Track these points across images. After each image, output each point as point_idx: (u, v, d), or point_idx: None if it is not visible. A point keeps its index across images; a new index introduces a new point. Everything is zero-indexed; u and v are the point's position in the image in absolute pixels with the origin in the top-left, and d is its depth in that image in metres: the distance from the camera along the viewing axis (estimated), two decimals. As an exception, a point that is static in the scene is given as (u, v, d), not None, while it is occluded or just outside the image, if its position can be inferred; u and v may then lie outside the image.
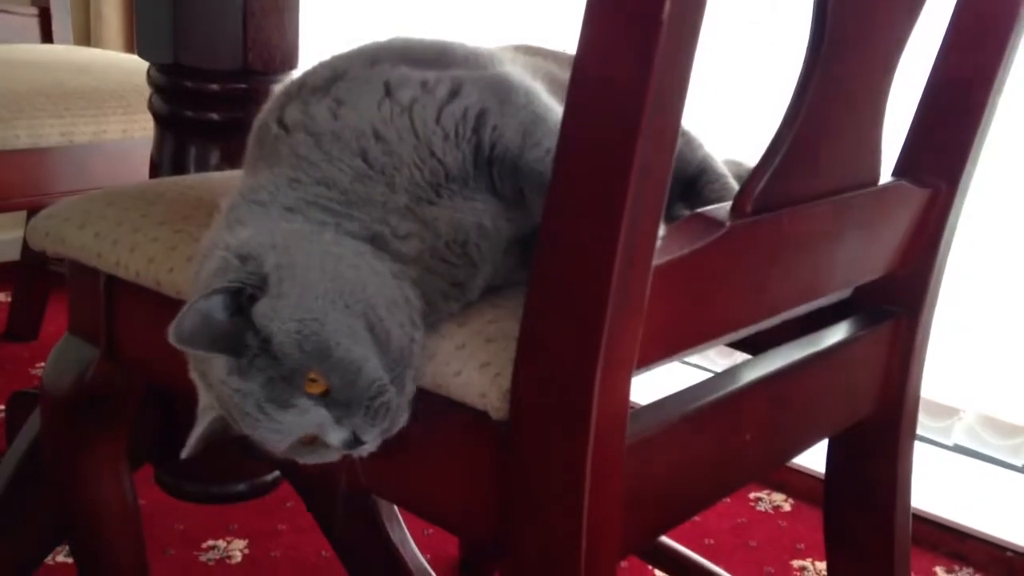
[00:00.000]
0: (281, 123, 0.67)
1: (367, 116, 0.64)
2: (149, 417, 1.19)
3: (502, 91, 0.66)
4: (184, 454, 0.64)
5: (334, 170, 0.63)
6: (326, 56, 0.73)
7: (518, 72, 0.69)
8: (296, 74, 1.11)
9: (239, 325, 0.59)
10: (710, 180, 0.77)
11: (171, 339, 0.57)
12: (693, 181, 0.77)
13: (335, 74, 0.68)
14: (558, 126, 0.54)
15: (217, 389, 0.61)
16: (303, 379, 0.58)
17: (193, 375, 0.64)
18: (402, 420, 0.61)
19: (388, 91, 0.65)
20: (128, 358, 0.85)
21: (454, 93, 0.65)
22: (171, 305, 0.77)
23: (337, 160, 0.64)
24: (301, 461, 0.63)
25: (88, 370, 0.86)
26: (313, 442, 0.61)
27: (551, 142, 0.60)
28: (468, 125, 0.64)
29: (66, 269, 0.87)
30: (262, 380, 0.59)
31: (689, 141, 0.79)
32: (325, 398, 0.59)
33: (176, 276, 0.75)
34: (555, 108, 0.66)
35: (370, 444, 0.61)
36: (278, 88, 0.73)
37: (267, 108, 0.71)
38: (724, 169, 0.79)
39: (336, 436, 0.60)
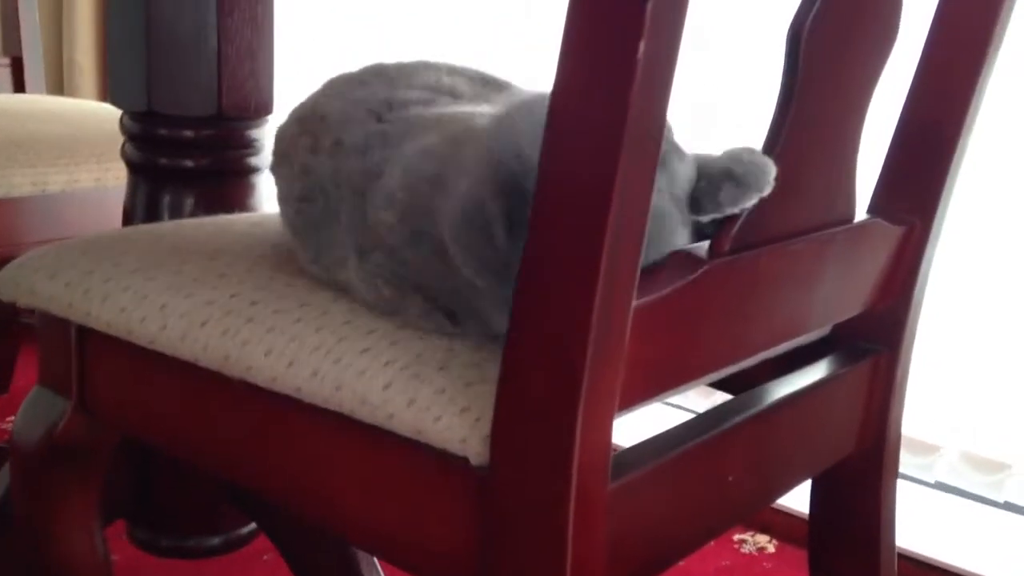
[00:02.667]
0: (387, 120, 0.69)
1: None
2: (122, 471, 1.17)
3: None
4: None
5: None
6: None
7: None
8: (271, 119, 1.12)
9: None
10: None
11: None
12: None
13: (388, 96, 0.72)
14: None
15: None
16: None
17: None
18: None
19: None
20: (100, 410, 0.83)
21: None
22: (144, 355, 0.76)
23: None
24: None
25: (59, 423, 0.84)
26: None
27: None
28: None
29: (36, 320, 0.86)
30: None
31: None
32: None
33: (148, 325, 0.74)
34: None
35: None
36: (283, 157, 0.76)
37: (349, 131, 0.71)
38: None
39: None
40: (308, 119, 0.76)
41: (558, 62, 0.51)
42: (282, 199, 0.78)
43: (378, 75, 0.77)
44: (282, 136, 0.79)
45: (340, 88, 0.77)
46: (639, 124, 0.50)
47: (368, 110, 0.71)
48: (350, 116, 0.71)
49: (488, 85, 0.77)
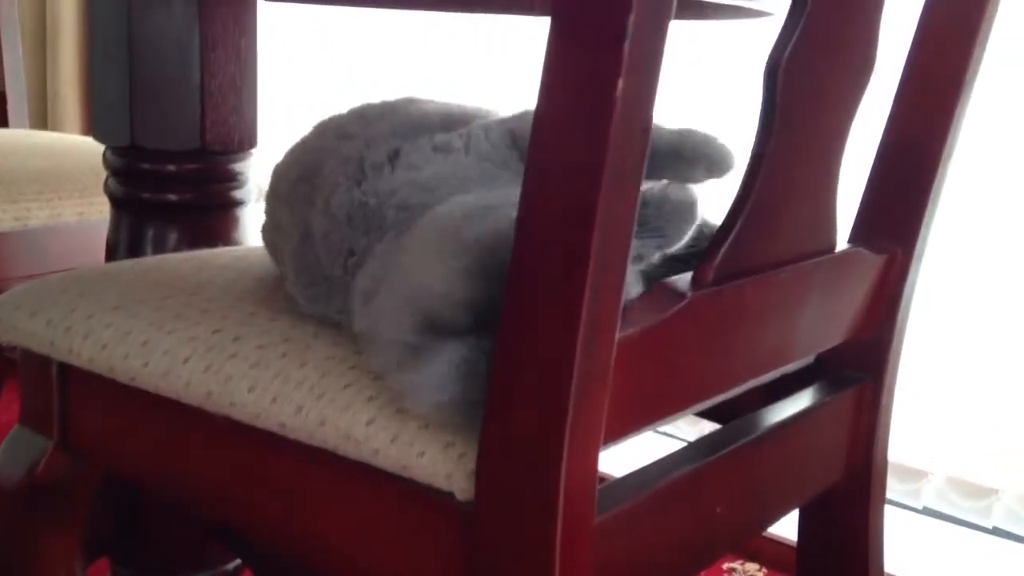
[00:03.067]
0: (375, 195, 0.69)
1: (446, 166, 0.69)
2: (105, 507, 1.16)
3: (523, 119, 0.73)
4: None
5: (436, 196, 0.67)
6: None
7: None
8: (255, 152, 1.13)
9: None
10: None
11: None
12: None
13: (392, 149, 0.72)
14: None
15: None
16: None
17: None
18: None
19: (437, 150, 0.71)
20: (83, 448, 0.83)
21: (488, 129, 0.72)
22: (126, 392, 0.75)
23: (436, 191, 0.67)
24: None
25: (40, 462, 0.83)
26: None
27: None
28: (523, 141, 0.68)
29: (18, 357, 0.85)
30: None
31: None
32: None
33: (130, 362, 0.73)
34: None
35: None
36: (320, 179, 0.76)
37: (328, 195, 0.72)
38: None
39: None
40: (304, 165, 0.77)
41: (537, 100, 0.52)
42: (273, 228, 0.80)
43: (361, 120, 0.78)
44: (279, 176, 0.80)
45: (328, 137, 0.78)
46: (619, 160, 0.51)
47: (347, 175, 0.71)
48: (336, 180, 0.72)
49: (462, 118, 0.78)
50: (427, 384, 0.57)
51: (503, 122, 0.73)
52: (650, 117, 0.52)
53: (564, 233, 0.52)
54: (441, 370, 0.57)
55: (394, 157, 0.71)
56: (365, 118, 0.78)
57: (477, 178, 0.68)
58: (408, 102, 0.80)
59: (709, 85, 1.61)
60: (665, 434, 1.70)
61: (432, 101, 0.81)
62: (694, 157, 0.69)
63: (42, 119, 2.29)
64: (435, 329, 0.58)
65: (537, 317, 0.54)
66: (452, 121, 0.76)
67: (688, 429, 1.67)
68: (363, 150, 0.72)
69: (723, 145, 0.70)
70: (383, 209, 0.68)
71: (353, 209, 0.69)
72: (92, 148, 1.42)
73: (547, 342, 0.54)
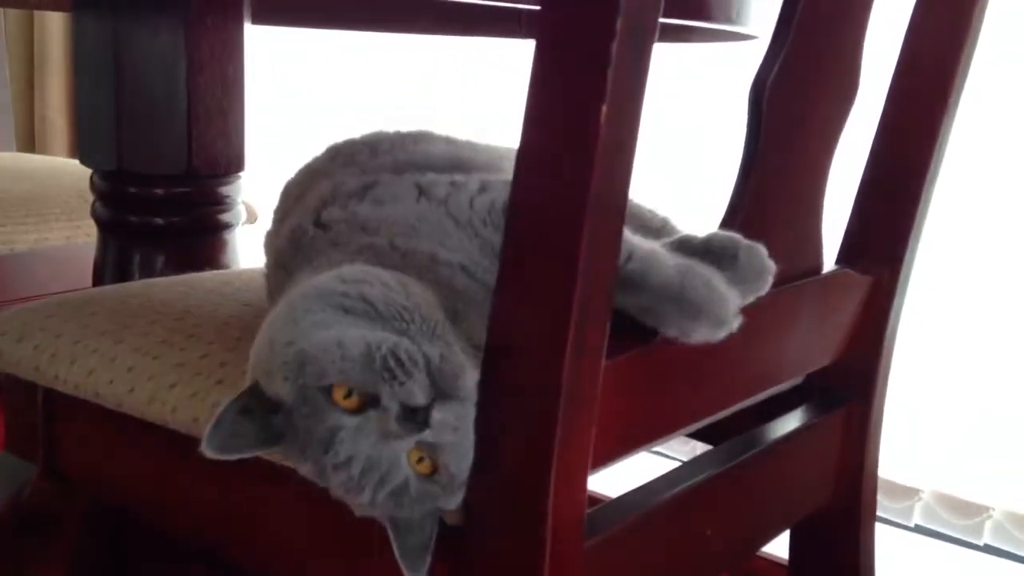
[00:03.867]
0: (319, 224, 0.69)
1: (409, 210, 0.67)
2: (92, 535, 1.15)
3: None
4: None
5: (376, 239, 0.65)
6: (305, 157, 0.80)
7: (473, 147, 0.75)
8: (243, 175, 1.12)
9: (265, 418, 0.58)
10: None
11: (208, 454, 0.56)
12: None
13: (366, 182, 0.71)
14: None
15: (331, 491, 0.58)
16: (331, 406, 0.55)
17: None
18: (453, 370, 0.55)
19: (421, 191, 0.69)
20: (69, 474, 0.82)
21: (482, 189, 0.68)
22: (112, 417, 0.75)
23: (379, 235, 0.66)
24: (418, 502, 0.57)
25: (26, 488, 0.83)
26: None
27: None
28: (499, 215, 0.66)
29: (3, 383, 0.84)
30: (314, 443, 0.56)
31: (665, 221, 0.81)
32: (367, 408, 0.55)
33: (116, 388, 0.73)
34: None
35: (439, 413, 0.54)
36: (294, 192, 0.77)
37: (294, 214, 0.73)
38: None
39: (394, 425, 0.54)
40: (303, 185, 0.78)
41: (522, 127, 0.52)
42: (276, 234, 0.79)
43: (370, 150, 0.78)
44: (285, 192, 0.81)
45: (337, 162, 0.78)
46: (604, 184, 0.51)
47: (319, 201, 0.72)
48: (309, 204, 0.73)
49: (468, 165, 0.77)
50: (211, 427, 0.57)
51: (493, 189, 0.70)
52: (635, 142, 0.52)
53: (550, 258, 0.52)
54: (231, 411, 0.57)
55: (366, 189, 0.70)
56: (375, 148, 0.78)
57: (428, 233, 0.66)
58: (420, 137, 0.80)
59: (694, 106, 1.62)
60: (657, 453, 1.70)
61: (448, 140, 0.81)
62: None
63: (30, 143, 2.28)
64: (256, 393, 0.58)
65: (523, 343, 0.54)
66: (455, 167, 0.75)
67: (680, 448, 1.67)
68: (346, 179, 0.73)
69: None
70: (316, 240, 0.68)
71: (298, 234, 0.70)
72: (79, 172, 1.41)
73: (533, 368, 0.54)
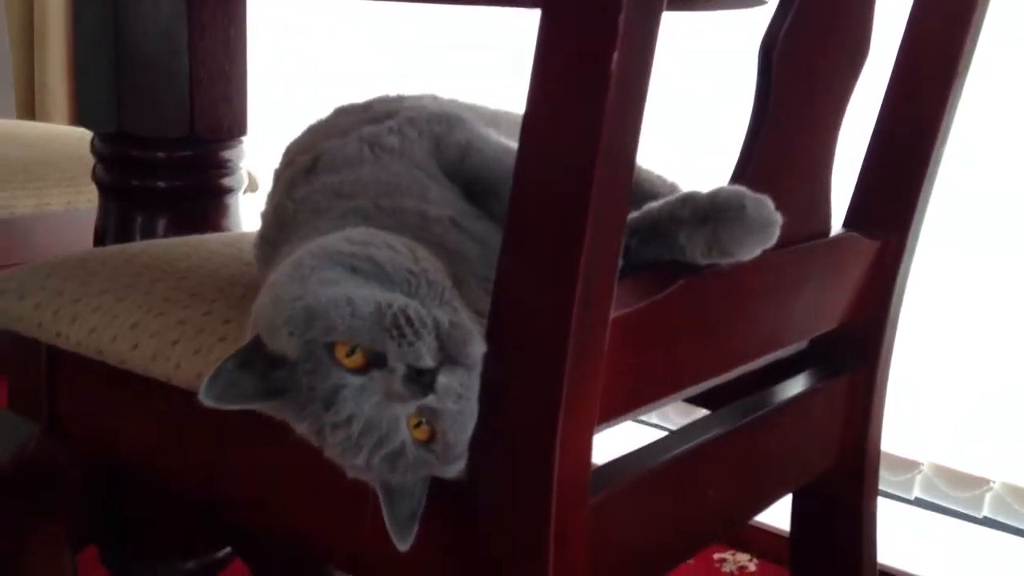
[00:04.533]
0: (293, 200, 0.69)
1: (376, 168, 0.68)
2: (94, 495, 1.15)
3: (445, 121, 0.73)
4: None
5: (359, 202, 0.65)
6: (300, 126, 0.80)
7: (455, 109, 0.76)
8: (245, 140, 1.12)
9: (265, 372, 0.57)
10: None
11: (206, 403, 0.56)
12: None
13: (315, 153, 0.72)
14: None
15: (327, 452, 0.57)
16: (334, 364, 0.55)
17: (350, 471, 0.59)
18: (462, 336, 0.54)
19: (370, 145, 0.70)
20: (71, 432, 0.82)
21: (420, 132, 0.70)
22: (115, 375, 0.74)
23: (359, 198, 0.66)
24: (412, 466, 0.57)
25: (28, 446, 0.83)
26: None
27: (491, 149, 0.70)
28: (444, 154, 0.69)
29: (5, 343, 0.84)
30: (315, 400, 0.55)
31: (675, 186, 0.81)
32: (372, 368, 0.55)
33: (119, 345, 0.73)
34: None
35: (445, 378, 0.54)
36: (276, 176, 0.77)
37: (275, 194, 0.74)
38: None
39: (399, 386, 0.54)
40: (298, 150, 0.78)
41: (531, 75, 0.51)
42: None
43: (365, 112, 0.78)
44: (287, 152, 0.80)
45: (290, 148, 0.79)
46: (614, 135, 0.50)
47: (288, 180, 0.73)
48: (287, 177, 0.74)
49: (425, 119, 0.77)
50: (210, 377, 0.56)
51: (431, 125, 0.72)
52: (645, 91, 0.51)
53: (558, 211, 0.52)
54: (232, 364, 0.57)
55: (315, 162, 0.71)
56: (369, 110, 0.78)
57: (407, 187, 0.66)
58: (429, 99, 0.80)
59: (704, 68, 1.61)
60: (656, 426, 1.70)
61: (434, 97, 0.81)
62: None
63: (30, 111, 2.27)
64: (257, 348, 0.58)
65: (530, 296, 0.54)
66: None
67: (682, 421, 1.67)
68: (300, 156, 0.73)
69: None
70: (299, 213, 0.68)
71: (280, 211, 0.70)
72: (80, 137, 1.41)
73: (541, 320, 0.53)
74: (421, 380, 0.54)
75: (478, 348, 0.55)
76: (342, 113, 0.79)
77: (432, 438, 0.56)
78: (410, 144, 0.70)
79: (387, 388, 0.54)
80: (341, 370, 0.55)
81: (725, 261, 0.63)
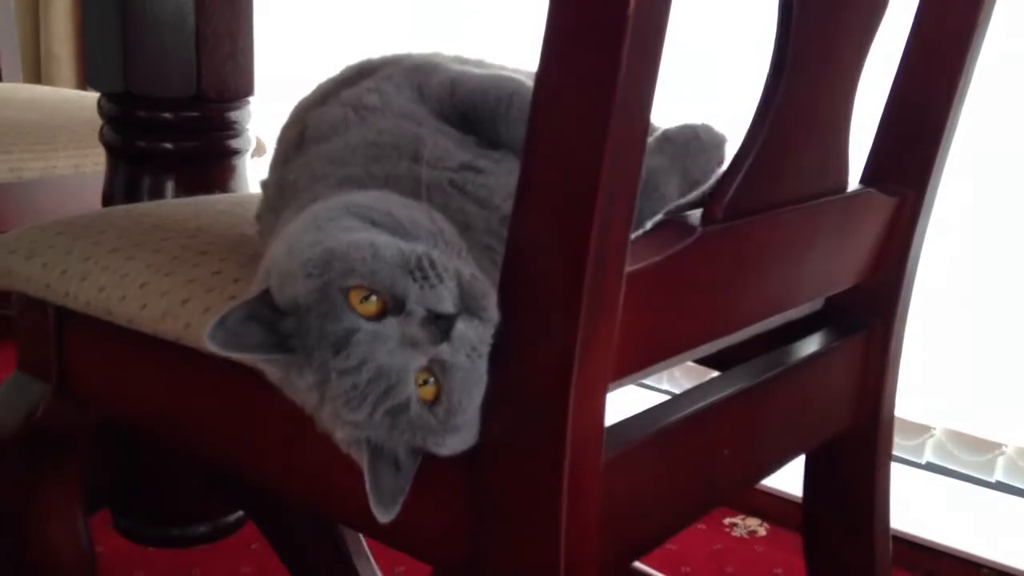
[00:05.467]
0: (293, 170, 0.68)
1: (362, 131, 0.66)
2: (106, 458, 1.15)
3: (426, 67, 0.71)
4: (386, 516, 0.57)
5: (351, 170, 0.64)
6: (308, 88, 0.77)
7: (428, 54, 0.75)
8: (252, 100, 1.11)
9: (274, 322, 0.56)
10: None
11: (210, 346, 0.54)
12: None
13: (302, 126, 0.71)
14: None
15: (325, 411, 0.56)
16: (349, 309, 0.54)
17: (322, 424, 0.58)
18: (481, 291, 0.54)
19: (354, 108, 0.68)
20: (81, 393, 0.82)
21: (398, 86, 0.69)
22: (124, 335, 0.74)
23: (349, 165, 0.64)
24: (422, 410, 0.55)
25: (39, 408, 0.82)
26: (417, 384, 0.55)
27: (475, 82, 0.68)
28: (436, 100, 0.67)
29: (13, 303, 0.84)
30: (325, 346, 0.54)
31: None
32: (386, 315, 0.54)
33: (128, 304, 0.72)
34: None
35: (463, 326, 0.53)
36: (275, 150, 0.75)
37: (275, 168, 0.73)
38: None
39: (417, 329, 0.53)
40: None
41: (547, 20, 0.50)
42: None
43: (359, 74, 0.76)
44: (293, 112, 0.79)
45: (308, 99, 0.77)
46: (631, 84, 0.49)
47: (283, 152, 0.72)
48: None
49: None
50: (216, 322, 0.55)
51: (409, 75, 0.70)
52: (663, 38, 0.50)
53: (572, 162, 0.51)
54: (239, 314, 0.55)
55: (303, 134, 0.70)
56: (344, 75, 0.76)
57: (395, 146, 0.64)
58: (403, 56, 0.77)
59: (722, 20, 1.59)
60: (667, 392, 1.70)
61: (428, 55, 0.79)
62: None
63: (36, 77, 2.26)
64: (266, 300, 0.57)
65: (544, 251, 0.53)
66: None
67: (689, 385, 1.67)
68: (290, 131, 0.72)
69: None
70: (298, 181, 0.67)
71: (282, 183, 0.69)
72: (87, 101, 1.40)
73: (555, 274, 0.53)
74: (439, 324, 0.53)
75: (495, 304, 0.55)
76: (319, 86, 0.77)
77: (437, 399, 0.55)
78: (389, 98, 0.68)
79: (404, 332, 0.53)
80: (356, 315, 0.54)
81: (695, 194, 0.64)
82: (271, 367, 0.59)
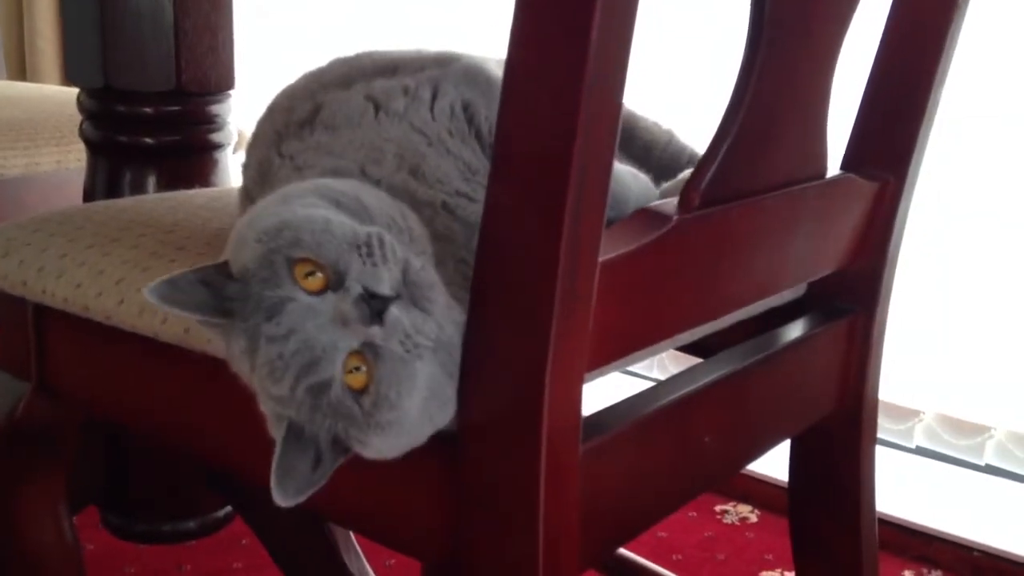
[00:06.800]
0: (281, 155, 0.67)
1: (373, 130, 0.64)
2: (93, 455, 1.15)
3: (479, 80, 0.67)
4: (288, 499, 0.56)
5: (343, 162, 0.63)
6: (290, 80, 0.75)
7: (483, 61, 0.70)
8: (233, 94, 1.10)
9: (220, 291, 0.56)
10: None
11: (148, 297, 0.54)
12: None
13: (315, 104, 0.68)
14: None
15: (255, 381, 0.56)
16: (291, 280, 0.53)
17: (263, 406, 0.57)
18: (427, 283, 0.53)
19: (377, 105, 0.66)
20: (62, 390, 0.81)
21: (435, 94, 0.65)
22: (103, 331, 0.74)
23: (345, 157, 0.63)
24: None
25: (19, 406, 0.82)
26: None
27: None
28: (461, 120, 0.64)
29: (-8, 301, 0.83)
30: (259, 311, 0.54)
31: (671, 134, 0.81)
32: (327, 292, 0.53)
33: (105, 300, 0.72)
34: None
35: (397, 311, 0.52)
36: (261, 126, 0.73)
37: (259, 146, 0.71)
38: None
39: (349, 306, 0.52)
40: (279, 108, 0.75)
41: (513, 13, 0.50)
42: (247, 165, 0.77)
43: (345, 67, 0.74)
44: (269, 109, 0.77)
45: (284, 95, 0.75)
46: (601, 66, 0.49)
47: (275, 131, 0.70)
48: (270, 133, 0.71)
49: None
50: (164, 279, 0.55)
51: (458, 86, 0.67)
52: (632, 24, 0.50)
53: (543, 149, 0.51)
54: (191, 276, 0.55)
55: (314, 114, 0.68)
56: (383, 60, 0.74)
57: (398, 155, 0.63)
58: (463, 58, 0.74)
59: (696, 6, 1.58)
60: (654, 379, 1.70)
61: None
62: None
63: (20, 71, 2.25)
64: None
65: (516, 239, 0.53)
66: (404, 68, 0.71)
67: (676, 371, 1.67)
68: (298, 104, 0.70)
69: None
70: (282, 169, 0.66)
71: (265, 165, 0.68)
72: (69, 97, 1.39)
73: (527, 265, 0.52)
74: (372, 305, 0.52)
75: (441, 300, 0.54)
76: (344, 63, 0.74)
77: (366, 389, 0.53)
78: (416, 108, 0.65)
79: (337, 307, 0.52)
80: (295, 286, 0.53)
81: None
82: (214, 334, 0.58)
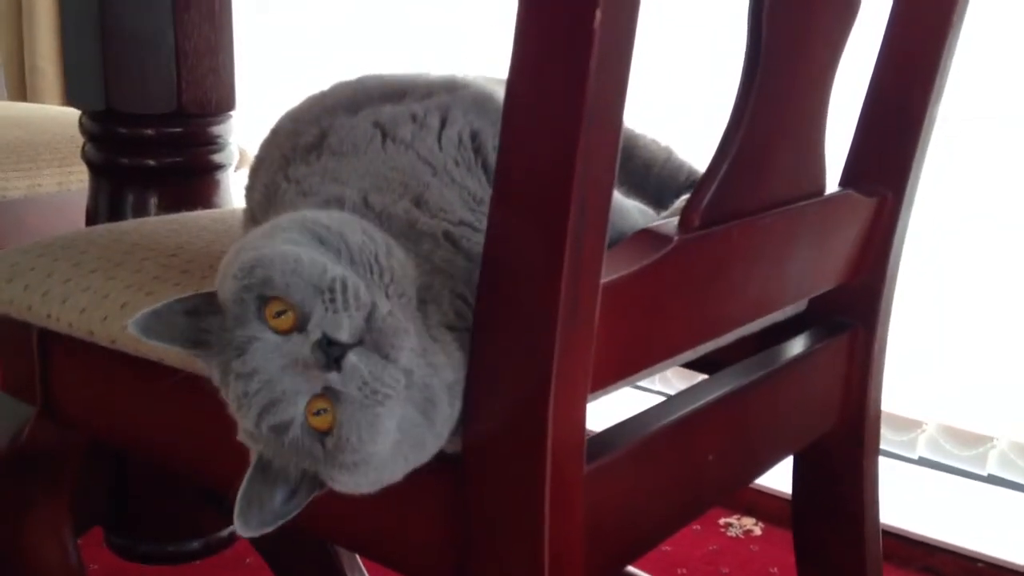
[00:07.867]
0: (288, 179, 0.67)
1: (378, 158, 0.64)
2: (97, 476, 1.15)
3: (488, 109, 0.66)
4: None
5: (347, 191, 0.63)
6: (293, 104, 0.74)
7: (491, 87, 0.69)
8: (233, 115, 1.11)
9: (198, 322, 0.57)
10: None
11: (130, 330, 0.56)
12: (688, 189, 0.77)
13: (322, 129, 0.68)
14: None
15: (232, 413, 0.56)
16: (260, 319, 0.54)
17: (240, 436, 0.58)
18: (392, 330, 0.52)
19: (384, 132, 0.66)
20: (66, 414, 0.81)
21: (443, 122, 0.65)
22: (107, 355, 0.74)
23: (349, 185, 0.63)
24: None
25: (24, 430, 0.82)
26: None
27: None
28: (468, 149, 0.64)
29: (-2, 325, 0.84)
30: (229, 347, 0.54)
31: (669, 151, 0.81)
32: (296, 332, 0.53)
33: (110, 325, 0.72)
34: None
35: (356, 358, 0.52)
36: (265, 149, 0.73)
37: (264, 170, 0.71)
38: None
39: (308, 350, 0.52)
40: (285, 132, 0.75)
41: (514, 35, 0.50)
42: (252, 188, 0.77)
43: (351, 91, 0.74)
44: (274, 131, 0.77)
45: (289, 119, 0.75)
46: (599, 95, 0.49)
47: (283, 154, 0.70)
48: (275, 156, 0.71)
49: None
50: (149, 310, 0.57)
51: (467, 114, 0.66)
52: (631, 50, 0.50)
53: (544, 173, 0.51)
54: (176, 307, 0.57)
55: (321, 139, 0.67)
56: (392, 84, 0.73)
57: (403, 184, 0.63)
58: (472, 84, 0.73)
59: (693, 27, 1.59)
60: (659, 392, 1.70)
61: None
62: None
63: (21, 92, 2.26)
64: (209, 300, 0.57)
65: (518, 263, 0.53)
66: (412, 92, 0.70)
67: (680, 385, 1.67)
68: (294, 139, 0.70)
69: None
70: (287, 193, 0.66)
71: (271, 189, 0.68)
72: (70, 118, 1.39)
73: (530, 287, 0.53)
74: (331, 351, 0.52)
75: (409, 344, 0.53)
76: (349, 86, 0.74)
77: (329, 431, 0.53)
78: (423, 138, 0.65)
79: (297, 350, 0.53)
80: (264, 325, 0.54)
81: None
82: (200, 362, 0.59)
